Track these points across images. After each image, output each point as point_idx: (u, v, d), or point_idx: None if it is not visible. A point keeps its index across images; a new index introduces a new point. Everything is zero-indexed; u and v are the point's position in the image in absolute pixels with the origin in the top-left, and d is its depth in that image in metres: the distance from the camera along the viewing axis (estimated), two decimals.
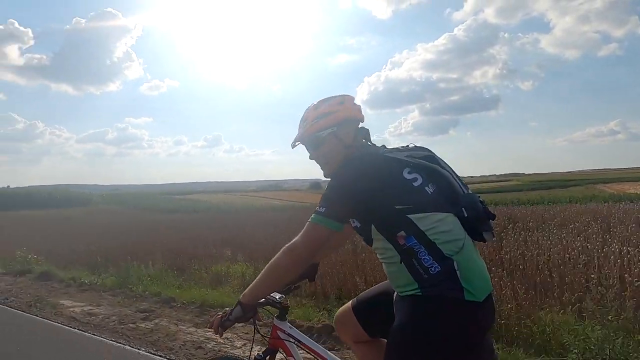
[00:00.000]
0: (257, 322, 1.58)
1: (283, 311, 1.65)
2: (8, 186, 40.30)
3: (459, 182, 1.46)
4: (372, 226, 1.39)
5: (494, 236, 1.44)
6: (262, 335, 1.67)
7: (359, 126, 1.59)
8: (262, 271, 1.45)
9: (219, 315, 1.53)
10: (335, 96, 1.59)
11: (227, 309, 1.53)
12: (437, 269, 1.30)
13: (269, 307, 1.64)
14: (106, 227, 16.16)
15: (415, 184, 1.39)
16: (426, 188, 1.40)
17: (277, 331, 1.65)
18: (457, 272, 1.30)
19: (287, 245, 1.41)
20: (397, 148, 1.53)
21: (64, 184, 37.66)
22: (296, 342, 1.62)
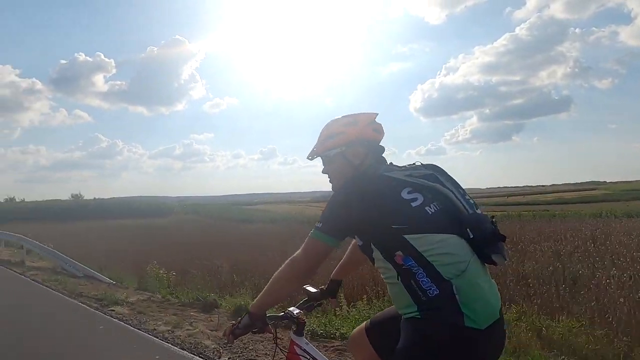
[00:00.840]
0: (272, 334, 1.62)
1: (300, 326, 1.66)
2: (95, 198, 45.30)
3: (464, 201, 1.45)
4: (372, 245, 1.42)
5: (506, 259, 1.41)
6: (280, 349, 1.71)
7: (379, 145, 1.61)
8: (268, 282, 1.50)
9: (231, 324, 1.58)
10: (351, 115, 1.62)
11: (240, 317, 1.58)
12: (435, 292, 1.29)
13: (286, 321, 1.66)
14: (207, 237, 17.45)
15: (414, 204, 1.39)
16: (426, 208, 1.40)
17: (294, 346, 1.66)
18: (457, 296, 1.28)
19: (289, 258, 1.46)
20: (401, 167, 1.55)
21: (139, 196, 41.86)
22: (311, 359, 1.63)
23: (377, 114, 1.60)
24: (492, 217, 1.46)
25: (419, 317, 1.32)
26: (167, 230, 23.70)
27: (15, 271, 9.76)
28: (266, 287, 1.50)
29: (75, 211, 37.10)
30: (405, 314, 1.37)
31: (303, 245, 1.44)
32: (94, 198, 43.36)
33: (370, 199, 1.39)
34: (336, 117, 1.65)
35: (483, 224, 1.39)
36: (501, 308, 1.39)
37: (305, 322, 1.67)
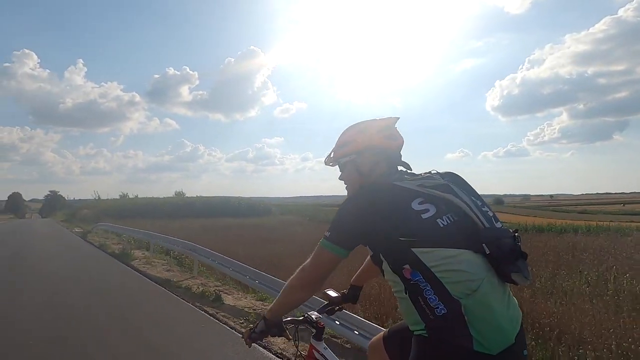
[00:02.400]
0: (291, 339, 1.61)
1: (319, 331, 1.68)
2: (198, 195, 45.23)
3: (481, 214, 1.34)
4: (381, 256, 1.36)
5: (527, 279, 1.27)
6: (300, 353, 1.73)
7: (396, 151, 1.55)
8: (282, 289, 1.50)
9: (249, 328, 1.61)
10: (361, 122, 1.58)
11: (257, 322, 1.59)
12: (442, 311, 1.22)
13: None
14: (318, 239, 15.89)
15: (424, 216, 1.32)
16: (438, 220, 1.31)
17: (313, 350, 1.67)
18: (465, 317, 1.19)
19: (302, 265, 1.44)
20: (413, 176, 1.47)
21: (218, 196, 41.71)
22: None
23: (398, 119, 1.56)
24: (515, 231, 1.34)
25: (426, 335, 1.27)
26: (276, 230, 21.72)
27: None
28: (280, 294, 1.51)
29: (183, 208, 37.08)
30: (414, 330, 1.33)
31: (312, 254, 1.42)
32: (197, 196, 43.15)
33: (379, 209, 1.34)
34: (353, 124, 1.61)
35: (501, 239, 1.29)
36: (522, 332, 1.31)
37: (324, 327, 1.70)
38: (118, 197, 46.51)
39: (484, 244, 1.27)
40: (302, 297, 1.49)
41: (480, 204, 1.37)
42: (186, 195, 47.20)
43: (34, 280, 7.88)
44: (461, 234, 1.30)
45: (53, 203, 63.89)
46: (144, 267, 9.35)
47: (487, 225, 1.33)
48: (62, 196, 68.12)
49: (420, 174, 1.48)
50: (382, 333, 1.74)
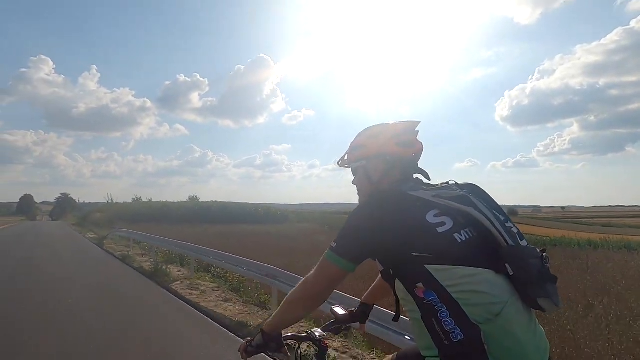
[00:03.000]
0: (288, 356, 1.48)
1: (322, 350, 1.55)
2: (214, 200, 43.54)
3: (504, 231, 1.18)
4: (391, 272, 1.23)
5: (557, 305, 1.12)
6: None
7: (410, 159, 1.43)
8: (283, 301, 1.38)
9: (245, 340, 1.48)
10: (376, 126, 1.49)
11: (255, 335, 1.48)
12: (459, 337, 1.07)
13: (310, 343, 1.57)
14: None
15: (440, 229, 1.18)
16: (455, 235, 1.18)
17: None
18: (485, 345, 1.05)
19: (304, 277, 1.33)
20: (430, 185, 1.36)
21: (225, 202, 40.61)
22: None
23: (419, 123, 1.44)
24: (543, 251, 1.18)
25: None
26: (298, 239, 20.27)
27: None
28: (280, 307, 1.38)
29: (199, 213, 35.69)
30: (425, 356, 1.17)
31: (317, 266, 1.29)
32: (213, 201, 41.67)
33: (390, 220, 1.21)
34: (370, 126, 1.51)
35: (527, 260, 1.14)
36: None
37: (327, 346, 1.57)
38: (131, 201, 45.30)
39: (506, 264, 1.13)
40: (303, 312, 1.38)
41: (503, 219, 1.23)
42: (200, 200, 45.83)
43: (39, 316, 5.33)
44: (481, 251, 1.17)
45: (64, 206, 63.18)
46: (190, 294, 7.25)
47: (511, 242, 1.18)
48: (73, 199, 67.61)
49: (437, 184, 1.36)
50: (390, 357, 1.58)
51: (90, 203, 71.29)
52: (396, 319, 1.46)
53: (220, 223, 33.45)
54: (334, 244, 1.26)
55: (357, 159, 1.46)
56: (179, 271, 9.83)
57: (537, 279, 1.12)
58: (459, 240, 1.18)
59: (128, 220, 30.18)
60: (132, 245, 14.58)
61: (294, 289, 1.34)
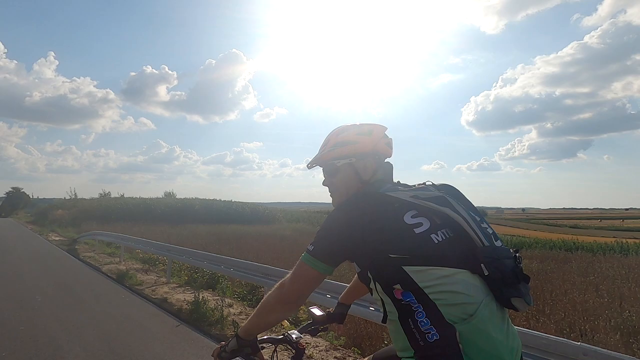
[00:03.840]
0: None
1: (299, 353, 1.47)
2: (196, 197, 38.95)
3: (480, 231, 1.19)
4: (369, 273, 1.21)
5: (529, 303, 1.14)
6: None
7: (385, 161, 1.43)
8: (258, 305, 1.34)
9: (219, 345, 1.43)
10: (365, 124, 1.44)
11: (228, 339, 1.43)
12: (435, 337, 1.07)
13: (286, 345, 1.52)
14: None
15: (417, 230, 1.18)
16: (432, 236, 1.18)
17: None
18: (460, 345, 1.05)
19: (280, 280, 1.30)
20: (407, 186, 1.33)
21: (209, 199, 37.14)
22: None
23: (387, 128, 1.45)
24: (516, 251, 1.21)
25: None
26: (300, 242, 16.71)
27: None
28: (255, 310, 1.33)
29: (181, 212, 31.05)
30: (402, 357, 1.17)
31: (293, 269, 1.26)
32: (195, 198, 36.90)
33: (369, 221, 1.19)
34: (348, 124, 1.47)
35: (502, 260, 1.15)
36: None
37: (304, 348, 1.49)
38: (97, 197, 39.61)
39: (482, 264, 1.13)
40: (279, 316, 1.32)
41: (479, 219, 1.23)
42: (177, 196, 40.88)
43: None
44: (457, 251, 1.17)
45: (15, 201, 55.59)
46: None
47: (486, 243, 1.19)
48: (26, 194, 59.88)
49: (414, 185, 1.34)
50: (367, 358, 1.57)
51: (45, 199, 63.69)
52: (384, 320, 1.22)
53: (206, 222, 29.37)
54: (311, 247, 1.23)
55: (345, 156, 1.37)
56: (232, 307, 6.00)
57: (511, 279, 1.13)
58: (436, 241, 1.17)
59: (98, 219, 25.50)
60: (123, 254, 10.42)
61: (270, 292, 1.30)
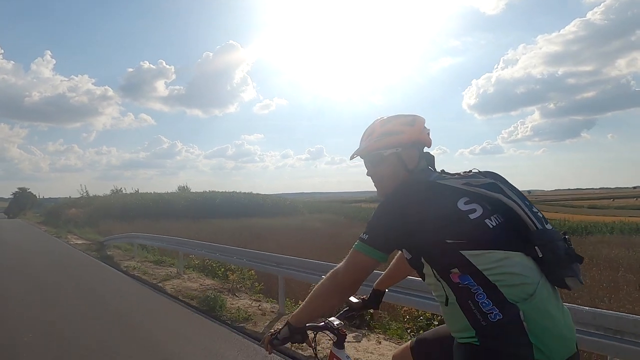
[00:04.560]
0: (313, 346, 1.53)
1: (340, 338, 1.55)
2: (210, 191, 36.65)
3: (532, 215, 1.23)
4: (422, 259, 1.26)
5: (581, 282, 1.20)
6: None
7: (424, 151, 1.46)
8: (310, 294, 1.39)
9: (269, 333, 1.48)
10: (407, 115, 1.46)
11: (280, 327, 1.49)
12: (498, 317, 1.11)
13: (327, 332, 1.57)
14: None
15: (472, 216, 1.22)
16: (487, 221, 1.22)
17: (334, 359, 1.56)
18: (524, 323, 1.09)
19: (332, 270, 1.35)
20: (455, 174, 1.36)
21: (228, 191, 34.67)
22: None
23: (425, 119, 1.48)
24: (564, 233, 1.25)
25: (477, 343, 1.15)
26: (342, 235, 14.62)
27: None
28: (307, 299, 1.39)
29: (203, 206, 28.96)
30: (459, 338, 1.21)
31: (346, 257, 1.30)
32: (210, 191, 34.71)
33: (424, 209, 1.22)
34: (390, 115, 1.49)
35: (555, 242, 1.19)
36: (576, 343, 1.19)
37: (346, 334, 1.58)
38: (109, 193, 37.49)
39: (536, 247, 1.18)
40: (335, 303, 1.39)
41: (528, 204, 1.26)
42: (192, 190, 38.76)
43: None
44: (511, 235, 1.22)
45: (22, 201, 53.63)
46: None
47: (539, 226, 1.22)
48: (32, 194, 57.90)
49: (461, 173, 1.35)
50: (407, 343, 1.62)
51: (51, 198, 61.91)
52: (446, 303, 1.22)
53: (228, 216, 27.33)
54: (365, 236, 1.26)
55: (392, 145, 1.39)
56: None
57: (566, 260, 1.17)
58: (491, 226, 1.21)
59: (115, 217, 23.49)
60: (182, 263, 8.22)
61: (322, 281, 1.34)
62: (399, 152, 1.37)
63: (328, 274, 1.32)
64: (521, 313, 1.08)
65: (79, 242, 15.25)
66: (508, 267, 1.13)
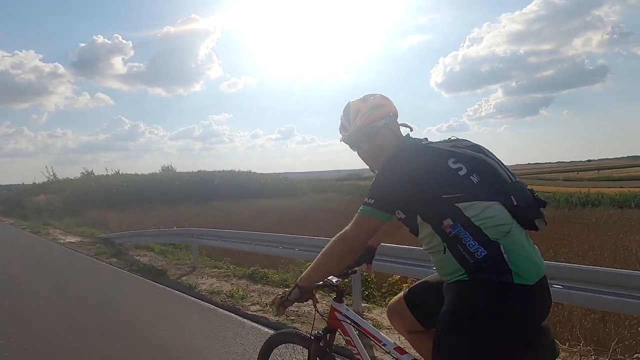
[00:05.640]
0: (316, 303, 1.69)
1: (340, 293, 1.76)
2: (215, 170, 32.10)
3: (506, 171, 1.47)
4: (418, 216, 1.43)
5: (545, 223, 1.42)
6: (321, 315, 1.81)
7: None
8: (317, 257, 1.53)
9: (279, 296, 1.64)
10: (369, 94, 1.64)
11: (287, 289, 1.65)
12: (483, 253, 1.32)
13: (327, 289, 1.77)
14: None
15: (460, 173, 1.42)
16: (471, 177, 1.43)
17: (335, 312, 1.76)
18: (505, 255, 1.31)
19: (339, 233, 1.49)
20: (441, 141, 1.57)
21: (226, 170, 30.89)
22: (352, 323, 1.72)
23: None
24: (526, 185, 1.48)
25: (467, 279, 1.34)
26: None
27: None
28: (315, 262, 1.55)
29: (202, 188, 24.84)
30: (450, 279, 1.39)
31: (353, 221, 1.46)
32: (199, 170, 30.31)
33: (423, 170, 1.42)
34: (366, 94, 1.65)
35: (525, 192, 1.43)
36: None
37: (345, 289, 1.79)
38: (79, 176, 32.06)
39: (512, 196, 1.38)
40: (347, 263, 1.60)
41: (501, 162, 1.49)
42: (176, 170, 34.16)
43: None
44: (488, 188, 1.41)
45: None
46: None
47: (513, 179, 1.45)
48: None
49: (444, 140, 1.55)
50: (400, 294, 1.78)
51: (2, 185, 54.61)
52: (445, 251, 1.41)
53: (229, 198, 23.68)
54: (370, 200, 1.42)
55: (381, 117, 1.55)
56: None
57: (534, 204, 1.40)
58: (475, 182, 1.42)
59: (98, 204, 19.17)
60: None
61: (330, 244, 1.49)
62: (388, 123, 1.55)
63: (335, 238, 1.48)
64: (502, 247, 1.30)
65: (71, 239, 11.17)
66: (489, 212, 1.34)
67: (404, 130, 1.61)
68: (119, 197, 21.14)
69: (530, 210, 1.37)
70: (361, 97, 1.61)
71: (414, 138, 1.57)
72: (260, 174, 31.85)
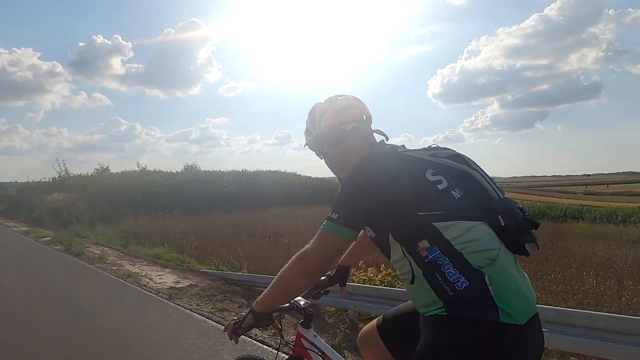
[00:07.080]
0: (278, 329, 1.50)
1: (308, 318, 1.54)
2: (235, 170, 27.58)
3: (493, 186, 1.26)
4: (390, 235, 1.22)
5: (538, 248, 1.21)
6: (286, 342, 1.67)
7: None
8: (274, 280, 1.33)
9: (232, 321, 1.46)
10: (347, 94, 1.46)
11: (243, 314, 1.45)
12: (464, 284, 1.11)
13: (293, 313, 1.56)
14: None
15: (440, 187, 1.21)
16: (452, 192, 1.22)
17: (301, 339, 1.55)
18: (490, 287, 1.10)
19: (298, 252, 1.27)
20: (418, 149, 1.37)
21: (262, 170, 26.93)
22: (320, 353, 1.52)
23: None
24: (516, 202, 1.28)
25: (445, 314, 1.13)
26: None
27: None
28: (272, 285, 1.33)
29: (249, 190, 20.44)
30: (427, 312, 1.19)
31: (314, 239, 1.25)
32: (258, 170, 25.77)
33: (392, 182, 1.20)
34: (333, 95, 1.45)
35: (514, 210, 1.22)
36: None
37: (313, 314, 1.57)
38: (94, 173, 27.40)
39: (499, 215, 1.19)
40: (303, 287, 1.36)
41: (487, 175, 1.29)
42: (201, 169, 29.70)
43: None
44: (473, 206, 1.21)
45: None
46: None
47: (501, 195, 1.25)
48: None
49: (423, 148, 1.36)
50: (373, 322, 1.59)
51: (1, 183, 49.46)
52: (412, 281, 1.20)
53: (281, 204, 19.32)
54: (334, 215, 1.21)
55: (350, 120, 1.36)
56: None
57: (524, 226, 1.19)
58: (457, 197, 1.20)
59: (127, 206, 14.85)
60: None
61: (287, 266, 1.28)
62: (358, 127, 1.36)
63: (293, 257, 1.27)
64: (486, 277, 1.09)
65: (158, 278, 6.77)
66: (473, 235, 1.13)
67: (378, 138, 1.40)
68: (155, 199, 16.73)
69: (520, 232, 1.18)
70: (331, 96, 1.43)
71: (390, 144, 1.37)
72: (311, 177, 27.33)
